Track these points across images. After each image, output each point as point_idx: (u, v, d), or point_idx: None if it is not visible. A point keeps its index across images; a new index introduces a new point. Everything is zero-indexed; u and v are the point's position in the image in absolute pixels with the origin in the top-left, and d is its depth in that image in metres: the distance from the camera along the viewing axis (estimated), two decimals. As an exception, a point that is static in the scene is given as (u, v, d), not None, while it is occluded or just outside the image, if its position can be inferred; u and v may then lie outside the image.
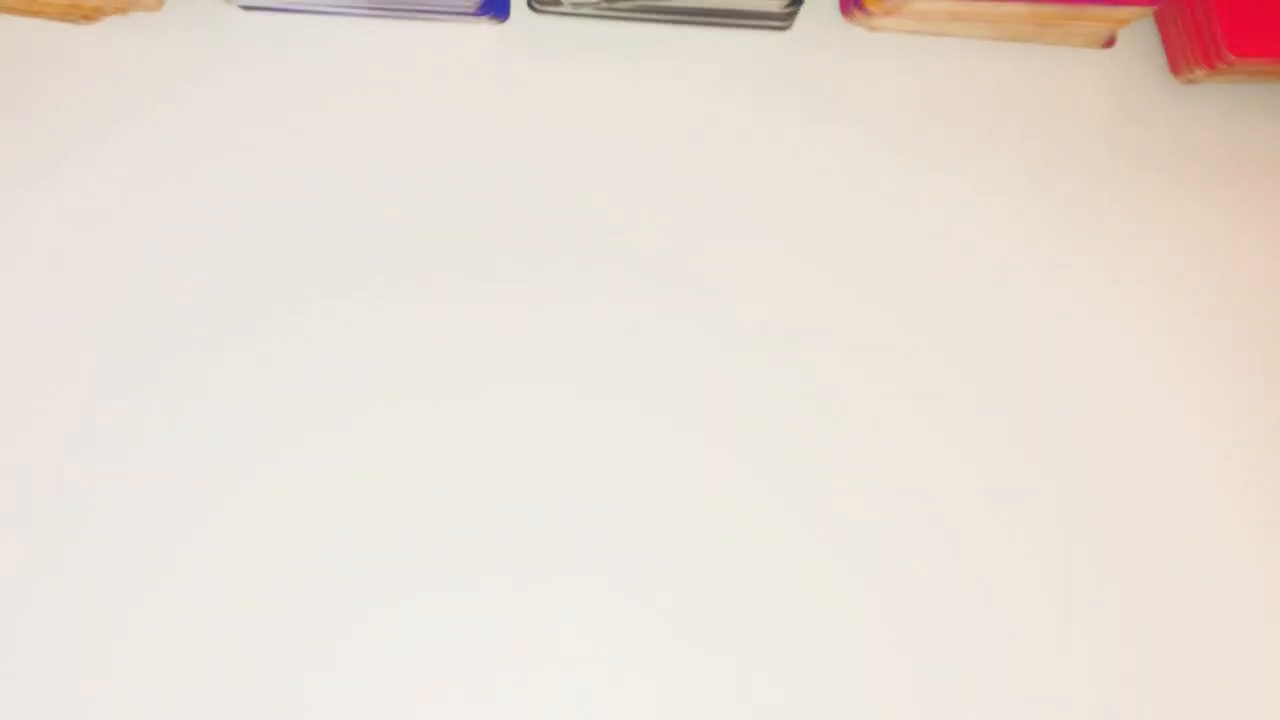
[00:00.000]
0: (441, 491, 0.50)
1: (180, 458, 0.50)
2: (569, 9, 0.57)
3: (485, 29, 0.59)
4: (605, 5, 0.57)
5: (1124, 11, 0.57)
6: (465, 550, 0.49)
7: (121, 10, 0.56)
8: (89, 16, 0.56)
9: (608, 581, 0.50)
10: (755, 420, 0.52)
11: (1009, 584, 0.51)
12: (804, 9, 0.58)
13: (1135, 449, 0.54)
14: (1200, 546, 0.52)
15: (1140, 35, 0.62)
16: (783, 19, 0.59)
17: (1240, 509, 0.53)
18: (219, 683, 0.47)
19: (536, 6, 0.58)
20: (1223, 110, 0.61)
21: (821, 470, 0.52)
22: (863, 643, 0.50)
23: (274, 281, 0.53)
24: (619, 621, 0.49)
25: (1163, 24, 0.62)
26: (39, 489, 0.49)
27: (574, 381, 0.52)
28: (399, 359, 0.52)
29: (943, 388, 0.54)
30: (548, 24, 0.59)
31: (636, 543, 0.50)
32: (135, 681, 0.47)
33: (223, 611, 0.48)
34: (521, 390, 0.52)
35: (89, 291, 0.52)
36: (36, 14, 0.56)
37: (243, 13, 0.58)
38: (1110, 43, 0.61)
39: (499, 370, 0.52)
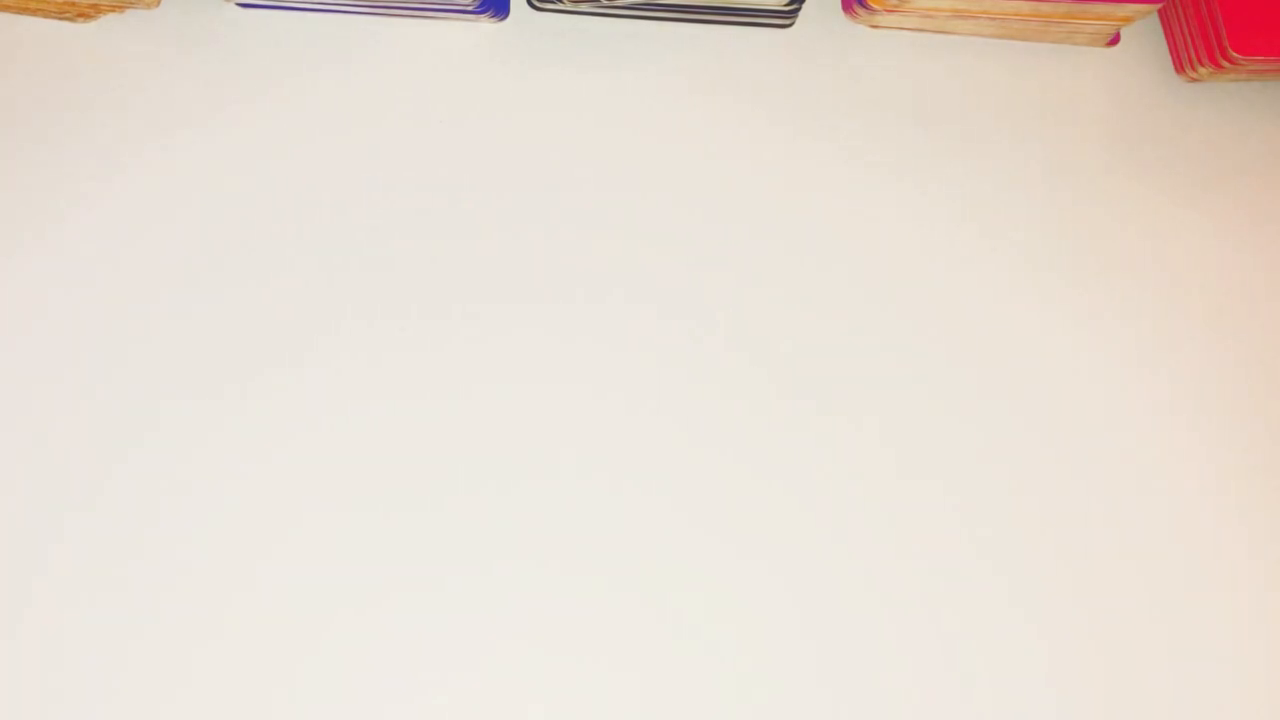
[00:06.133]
0: (444, 503, 0.50)
1: (183, 465, 0.50)
2: (569, 6, 0.57)
3: (485, 26, 0.59)
4: (606, 2, 0.56)
5: (1127, 10, 0.56)
6: (467, 561, 0.49)
7: (118, 8, 0.56)
8: (86, 14, 0.56)
9: (606, 601, 0.49)
10: (755, 420, 0.52)
11: (1010, 590, 0.51)
12: (806, 6, 0.58)
13: (1137, 450, 0.54)
14: (1202, 557, 0.52)
15: (1144, 34, 0.61)
16: (785, 16, 0.58)
17: (1241, 513, 0.53)
18: (227, 686, 0.47)
19: (536, 4, 0.58)
20: (1226, 109, 0.61)
21: (822, 470, 0.52)
22: (864, 647, 0.50)
23: (269, 279, 0.53)
24: (618, 634, 0.49)
25: (1166, 23, 0.61)
26: (45, 503, 0.49)
27: (574, 382, 0.52)
28: (394, 357, 0.52)
29: (943, 386, 0.54)
30: (548, 21, 0.59)
31: (632, 557, 0.50)
32: (141, 683, 0.47)
33: (231, 620, 0.48)
34: (520, 391, 0.52)
35: (85, 289, 0.52)
36: (34, 12, 0.55)
37: (239, 10, 0.57)
38: (1114, 41, 0.61)
39: (498, 371, 0.52)
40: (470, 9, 0.57)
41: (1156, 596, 0.51)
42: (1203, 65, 0.58)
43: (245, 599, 0.48)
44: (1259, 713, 0.50)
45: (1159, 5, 0.56)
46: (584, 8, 0.57)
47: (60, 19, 0.56)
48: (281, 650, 0.48)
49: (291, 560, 0.49)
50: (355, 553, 0.49)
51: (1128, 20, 0.58)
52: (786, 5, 0.56)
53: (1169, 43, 0.61)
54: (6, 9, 0.55)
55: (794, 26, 0.59)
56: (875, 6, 0.57)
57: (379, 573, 0.49)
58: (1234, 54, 0.56)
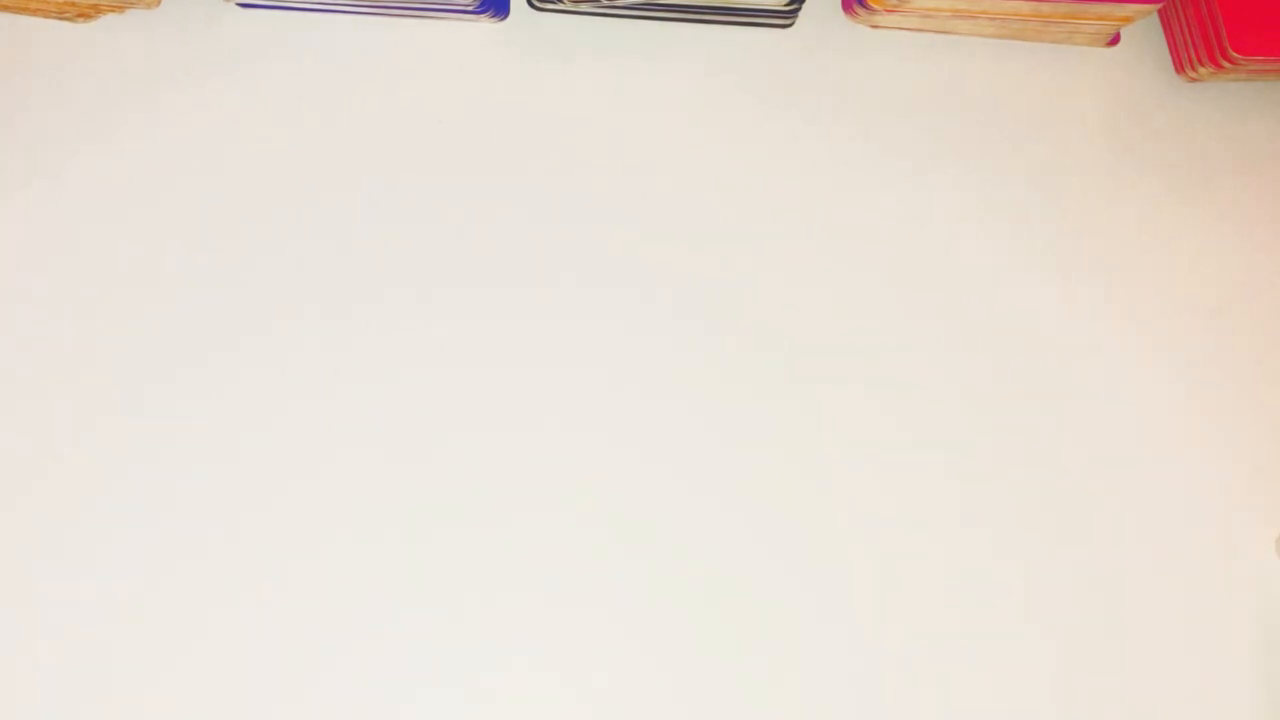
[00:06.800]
0: (445, 486, 0.50)
1: (170, 459, 0.50)
2: (569, 6, 0.57)
3: (485, 27, 0.59)
4: (606, 2, 0.56)
5: (1127, 10, 0.56)
6: (465, 557, 0.49)
7: (118, 8, 0.56)
8: (86, 14, 0.56)
9: (607, 590, 0.49)
10: (754, 418, 0.52)
11: (1023, 584, 0.51)
12: (806, 6, 0.58)
13: (1138, 449, 0.54)
14: (1202, 555, 0.52)
15: (1144, 34, 0.61)
16: (785, 16, 0.58)
17: (1241, 512, 0.53)
18: (224, 685, 0.47)
19: (536, 4, 0.58)
20: (1226, 108, 0.61)
21: (821, 465, 0.52)
22: (870, 644, 0.50)
23: (270, 280, 0.53)
24: (620, 622, 0.49)
25: (1166, 23, 0.61)
26: (32, 499, 0.49)
27: (574, 382, 0.52)
28: (394, 357, 0.52)
29: (944, 386, 0.54)
30: (548, 21, 0.59)
31: (638, 546, 0.50)
32: (137, 684, 0.47)
33: (223, 618, 0.48)
34: (519, 391, 0.52)
35: (84, 288, 0.52)
36: (34, 11, 0.55)
37: (240, 10, 0.57)
38: (1114, 41, 0.61)
39: (496, 370, 0.52)
40: (470, 9, 0.57)
41: (1159, 590, 0.51)
42: (1203, 65, 0.58)
43: (239, 595, 0.48)
44: (1261, 710, 0.50)
45: (1159, 5, 0.56)
46: (584, 8, 0.57)
47: (60, 19, 0.56)
48: (276, 648, 0.48)
49: (287, 557, 0.49)
50: (352, 549, 0.49)
51: (1128, 20, 0.58)
52: (786, 5, 0.56)
53: (1169, 43, 0.61)
54: (6, 9, 0.55)
55: (794, 26, 0.59)
56: (875, 6, 0.57)
57: (376, 567, 0.49)
58: (1234, 54, 0.56)
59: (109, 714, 0.46)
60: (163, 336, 0.52)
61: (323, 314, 0.52)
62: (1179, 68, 0.60)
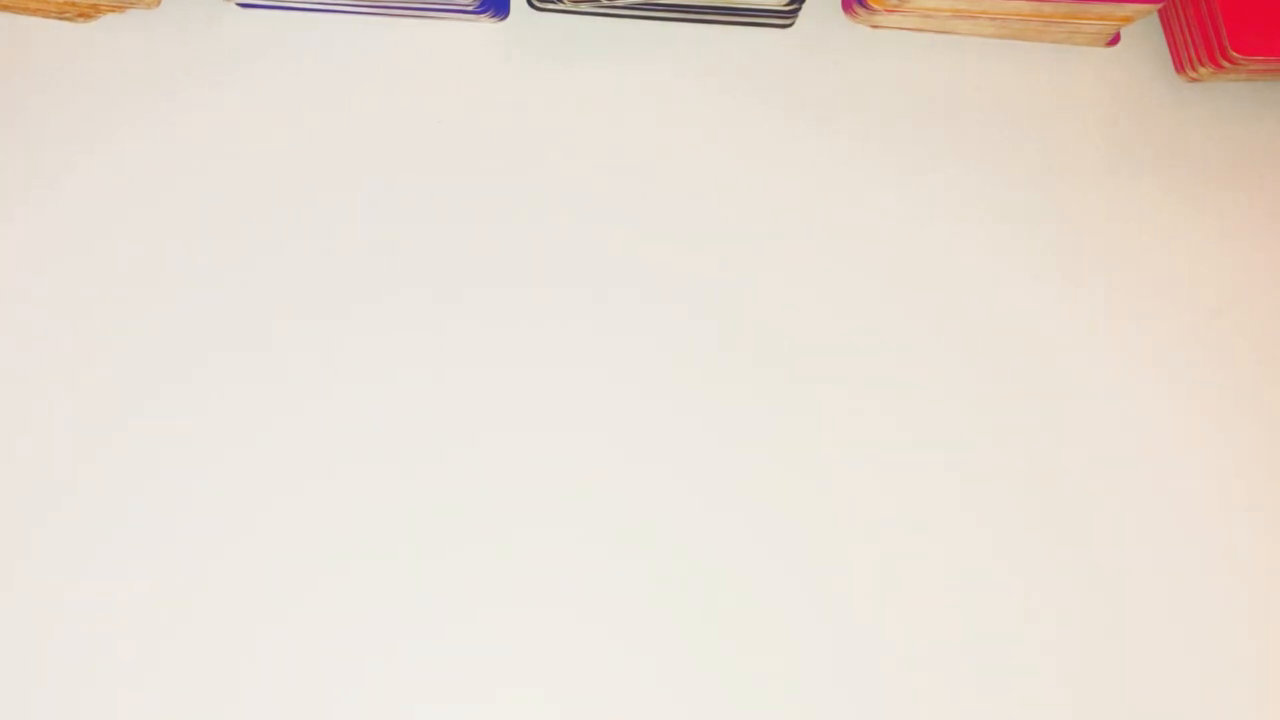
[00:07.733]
0: (446, 485, 0.50)
1: (170, 460, 0.50)
2: (569, 6, 0.57)
3: (485, 27, 0.59)
4: (606, 2, 0.56)
5: (1127, 10, 0.56)
6: (463, 552, 0.50)
7: (118, 8, 0.56)
8: (86, 14, 0.56)
9: (608, 590, 0.50)
10: (753, 419, 0.52)
11: (1003, 588, 0.51)
12: (806, 6, 0.58)
13: (1137, 454, 0.54)
14: (1202, 557, 0.52)
15: (1144, 34, 0.61)
16: (785, 16, 0.58)
17: (1241, 513, 0.53)
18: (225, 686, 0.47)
19: (536, 4, 0.58)
20: (1226, 109, 0.61)
21: (821, 471, 0.52)
22: (877, 647, 0.50)
23: (269, 280, 0.53)
24: (623, 616, 0.49)
25: (1166, 23, 0.61)
26: (30, 500, 0.49)
27: (574, 383, 0.52)
28: (393, 357, 0.52)
29: (944, 387, 0.54)
30: (548, 21, 0.59)
31: (641, 548, 0.50)
32: (135, 683, 0.47)
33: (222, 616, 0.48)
34: (518, 391, 0.52)
35: (84, 290, 0.52)
36: (34, 12, 0.55)
37: (240, 10, 0.57)
38: (1114, 41, 0.61)
39: (496, 371, 0.52)
40: (470, 9, 0.57)
41: (1159, 590, 0.51)
42: (1203, 65, 0.58)
43: (237, 594, 0.48)
44: (1262, 711, 0.50)
45: (1159, 5, 0.56)
46: (584, 8, 0.57)
47: (60, 19, 0.56)
48: (276, 647, 0.48)
49: (287, 556, 0.49)
50: (350, 548, 0.49)
51: (1128, 20, 0.58)
52: (786, 5, 0.56)
53: (1169, 43, 0.61)
54: (6, 9, 0.55)
55: (794, 26, 0.59)
56: (875, 6, 0.57)
57: (373, 567, 0.49)
58: (1234, 54, 0.56)
59: (108, 714, 0.46)
60: (162, 337, 0.52)
61: (322, 314, 0.52)
62: (1179, 68, 0.60)
